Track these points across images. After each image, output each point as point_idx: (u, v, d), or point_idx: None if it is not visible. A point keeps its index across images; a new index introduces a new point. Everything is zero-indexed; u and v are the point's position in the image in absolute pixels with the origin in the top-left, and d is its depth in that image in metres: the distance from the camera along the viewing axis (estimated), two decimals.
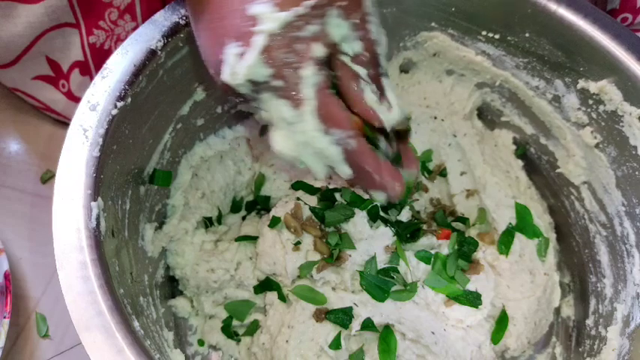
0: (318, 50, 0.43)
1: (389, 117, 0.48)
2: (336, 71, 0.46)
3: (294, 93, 0.43)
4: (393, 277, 0.62)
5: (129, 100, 0.51)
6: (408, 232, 0.66)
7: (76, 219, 0.45)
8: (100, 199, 0.47)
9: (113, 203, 0.51)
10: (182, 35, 0.55)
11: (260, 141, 0.72)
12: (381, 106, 0.47)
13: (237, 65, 0.42)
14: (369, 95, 0.46)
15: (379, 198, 0.53)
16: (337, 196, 0.64)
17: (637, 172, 0.56)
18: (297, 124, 0.44)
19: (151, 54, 0.53)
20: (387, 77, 0.49)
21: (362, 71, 0.46)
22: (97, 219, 0.46)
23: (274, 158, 0.72)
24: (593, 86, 0.58)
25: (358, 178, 0.50)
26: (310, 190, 0.67)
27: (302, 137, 0.45)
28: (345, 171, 0.48)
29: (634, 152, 0.56)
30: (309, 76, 0.43)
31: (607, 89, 0.57)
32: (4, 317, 0.63)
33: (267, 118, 0.47)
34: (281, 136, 0.46)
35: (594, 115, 0.60)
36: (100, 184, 0.47)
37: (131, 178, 0.55)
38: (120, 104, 0.50)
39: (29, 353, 0.66)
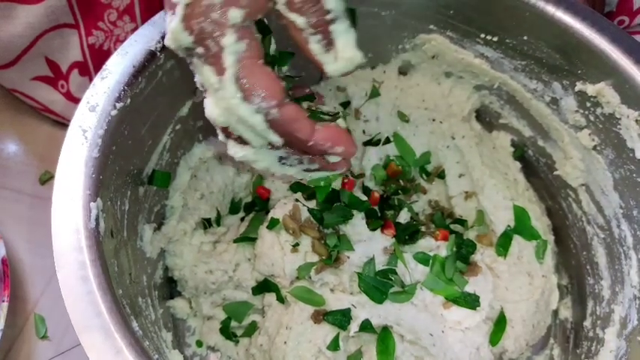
0: (235, 16, 0.42)
1: (332, 67, 0.46)
2: (281, 22, 0.45)
3: (215, 60, 0.43)
4: (391, 279, 0.62)
5: (128, 101, 0.51)
6: (406, 234, 0.66)
7: (76, 219, 0.45)
8: (99, 199, 0.47)
9: (112, 204, 0.51)
10: None
11: None
12: (326, 55, 0.45)
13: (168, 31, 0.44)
14: (314, 45, 0.45)
15: (318, 175, 0.53)
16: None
17: (634, 175, 0.56)
18: (220, 90, 0.44)
19: (151, 55, 0.53)
20: (343, 22, 0.44)
21: (299, 20, 0.44)
22: (96, 219, 0.46)
23: None
24: (590, 89, 0.58)
25: (292, 146, 0.49)
26: (309, 191, 0.67)
27: (225, 104, 0.45)
28: (274, 139, 0.47)
29: (631, 155, 0.56)
30: (230, 45, 0.42)
31: (604, 92, 0.57)
32: (3, 301, 0.63)
33: (200, 85, 0.47)
34: (210, 102, 0.46)
35: (592, 118, 0.60)
36: (99, 185, 0.47)
37: (130, 179, 0.55)
38: (119, 105, 0.50)
39: (28, 354, 0.66)
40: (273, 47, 0.49)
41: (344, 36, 0.44)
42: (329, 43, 0.44)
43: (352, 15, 0.46)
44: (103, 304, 0.42)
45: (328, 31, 0.44)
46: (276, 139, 0.47)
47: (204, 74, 0.44)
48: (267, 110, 0.44)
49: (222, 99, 0.44)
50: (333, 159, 0.52)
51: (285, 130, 0.46)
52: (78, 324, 0.42)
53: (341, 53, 0.45)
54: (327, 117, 0.51)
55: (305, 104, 0.52)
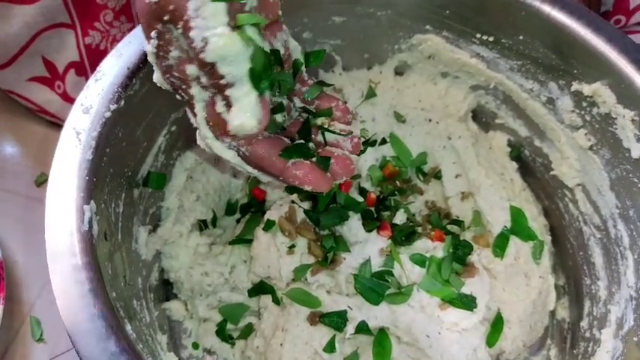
0: (192, 71, 0.44)
1: (232, 127, 0.46)
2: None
3: (191, 105, 0.46)
4: (387, 281, 0.62)
5: (122, 102, 0.51)
6: (402, 235, 0.66)
7: (69, 222, 0.45)
8: (92, 202, 0.47)
9: (106, 206, 0.50)
10: None
11: None
12: (228, 115, 0.46)
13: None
14: (219, 104, 0.45)
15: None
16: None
17: (630, 175, 0.56)
18: (198, 129, 0.48)
19: (145, 57, 0.53)
20: (239, 88, 0.44)
21: (203, 79, 0.45)
22: (90, 222, 0.46)
23: None
24: (586, 89, 0.58)
25: (266, 176, 0.51)
26: (305, 193, 0.67)
27: (203, 141, 0.48)
28: (248, 169, 0.50)
29: (627, 154, 0.56)
30: (196, 94, 0.45)
31: (600, 92, 0.57)
32: None
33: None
34: (197, 136, 0.49)
35: (588, 118, 0.60)
36: (93, 187, 0.47)
37: (125, 181, 0.55)
38: (113, 107, 0.50)
39: (23, 357, 0.66)
40: (298, 50, 0.50)
41: (239, 102, 0.45)
42: (228, 105, 0.45)
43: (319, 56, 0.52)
44: (96, 306, 0.42)
45: (225, 94, 0.44)
46: (251, 170, 0.50)
47: (187, 114, 0.48)
48: (238, 148, 0.47)
49: (200, 136, 0.48)
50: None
51: (257, 165, 0.49)
52: (71, 327, 0.41)
53: (232, 118, 0.45)
54: (340, 135, 0.52)
55: (320, 120, 0.52)
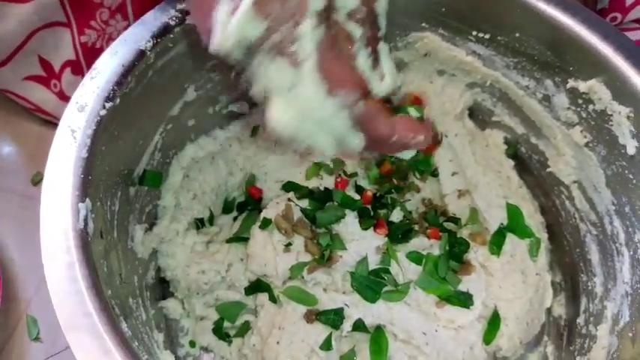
0: (317, 1, 0.38)
1: (379, 87, 0.44)
2: (330, 30, 0.40)
3: (292, 50, 0.38)
4: (384, 278, 0.62)
5: (117, 100, 0.51)
6: (399, 233, 0.66)
7: (64, 220, 0.45)
8: (87, 200, 0.46)
9: (102, 204, 0.50)
10: (172, 36, 0.55)
11: (251, 142, 0.73)
12: (373, 73, 0.43)
13: (229, 24, 0.37)
14: (362, 60, 0.42)
15: (405, 157, 0.49)
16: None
17: (626, 171, 0.56)
18: (297, 87, 0.39)
19: (140, 54, 0.53)
20: (385, 42, 0.43)
21: (357, 31, 0.41)
22: (85, 220, 0.45)
23: (265, 159, 0.72)
24: (582, 85, 0.58)
25: (373, 145, 0.44)
26: (301, 190, 0.67)
27: (303, 104, 0.39)
28: (356, 141, 0.43)
29: (623, 151, 0.56)
30: (309, 32, 0.38)
31: (596, 88, 0.57)
32: None
33: (261, 91, 0.41)
34: (279, 106, 0.40)
35: (584, 115, 0.60)
36: (88, 185, 0.47)
37: (120, 179, 0.55)
38: (108, 105, 0.50)
39: (20, 356, 0.66)
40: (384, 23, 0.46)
41: (386, 57, 0.43)
42: (375, 60, 0.42)
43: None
44: (91, 304, 0.42)
45: (376, 49, 0.42)
46: (358, 141, 0.43)
47: (273, 73, 0.39)
48: (354, 104, 0.40)
49: (298, 98, 0.39)
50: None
51: (370, 126, 0.42)
52: (66, 324, 0.41)
53: (387, 72, 0.43)
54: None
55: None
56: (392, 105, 0.48)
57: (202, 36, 0.42)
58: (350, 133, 0.42)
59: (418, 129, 0.44)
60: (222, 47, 0.38)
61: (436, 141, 0.69)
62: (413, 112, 0.49)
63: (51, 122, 0.80)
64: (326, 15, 0.38)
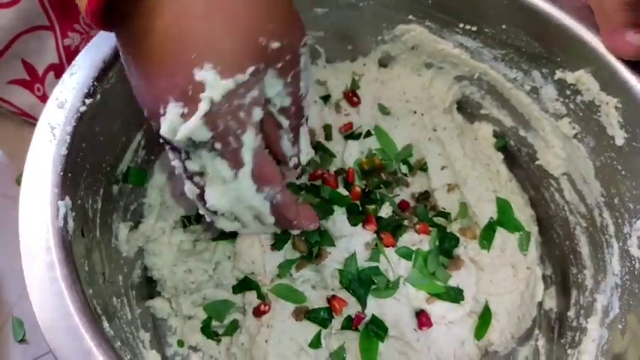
0: (258, 114, 0.43)
1: (296, 160, 0.53)
2: (263, 129, 0.48)
3: (233, 155, 0.44)
4: (373, 274, 0.61)
5: (98, 97, 0.50)
6: (388, 229, 0.66)
7: (43, 218, 0.44)
8: (67, 198, 0.46)
9: (83, 202, 0.50)
10: None
11: None
12: (291, 150, 0.52)
13: (179, 125, 0.41)
14: (285, 142, 0.50)
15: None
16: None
17: (615, 162, 0.56)
18: (234, 182, 0.46)
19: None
20: (306, 125, 0.52)
21: (285, 122, 0.49)
22: (65, 218, 0.45)
23: None
24: (570, 76, 0.58)
25: (279, 223, 0.54)
26: (290, 187, 0.66)
27: (236, 195, 0.47)
28: (269, 221, 0.52)
29: (611, 142, 0.55)
30: (250, 141, 0.44)
31: (584, 79, 0.56)
32: None
33: (197, 171, 0.47)
34: (215, 193, 0.47)
35: (572, 106, 0.60)
36: (68, 183, 0.46)
37: (103, 177, 0.54)
38: (88, 101, 0.49)
39: (5, 358, 0.65)
40: None
41: (304, 136, 0.52)
42: (295, 141, 0.51)
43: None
44: (71, 304, 0.41)
45: (298, 132, 0.51)
46: (271, 221, 0.53)
47: (213, 167, 0.45)
48: (274, 196, 0.50)
49: (234, 190, 0.47)
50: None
51: (281, 212, 0.52)
52: (46, 326, 0.41)
53: (304, 149, 0.53)
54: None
55: None
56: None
57: (148, 114, 0.45)
58: (268, 216, 0.52)
59: (314, 218, 0.58)
60: (169, 138, 0.43)
61: None
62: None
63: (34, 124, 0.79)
64: (261, 119, 0.45)
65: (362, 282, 0.61)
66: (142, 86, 0.43)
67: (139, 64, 0.42)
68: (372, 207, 0.67)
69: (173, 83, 0.40)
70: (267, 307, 0.60)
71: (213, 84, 0.39)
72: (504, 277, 0.65)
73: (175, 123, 0.41)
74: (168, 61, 0.40)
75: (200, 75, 0.39)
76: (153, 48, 0.40)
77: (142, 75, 0.43)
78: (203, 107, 0.40)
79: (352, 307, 0.60)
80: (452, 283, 0.63)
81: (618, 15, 0.51)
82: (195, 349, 0.65)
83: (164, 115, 0.41)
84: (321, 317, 0.59)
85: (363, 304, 0.60)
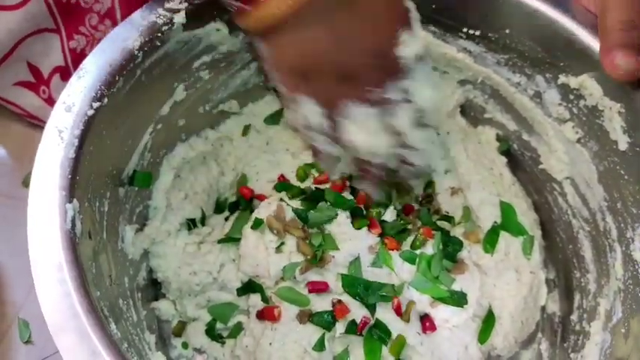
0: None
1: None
2: None
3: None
4: (377, 278, 0.62)
5: (105, 100, 0.51)
6: (392, 233, 0.66)
7: (51, 221, 0.44)
8: (75, 200, 0.46)
9: (90, 205, 0.50)
10: (160, 34, 0.55)
11: (243, 141, 0.72)
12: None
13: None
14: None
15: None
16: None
17: (618, 167, 0.56)
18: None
19: (128, 54, 0.53)
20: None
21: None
22: (72, 221, 0.45)
23: (257, 159, 0.72)
24: (573, 81, 0.58)
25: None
26: (293, 190, 0.67)
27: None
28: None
29: (615, 147, 0.56)
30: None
31: (587, 84, 0.57)
32: None
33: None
34: (354, 129, 0.58)
35: (575, 111, 0.60)
36: (76, 186, 0.47)
37: (109, 180, 0.55)
38: (96, 105, 0.50)
39: (11, 359, 0.65)
40: None
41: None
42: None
43: None
44: (79, 306, 0.42)
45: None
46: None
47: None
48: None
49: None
50: None
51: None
52: (54, 326, 0.41)
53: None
54: None
55: None
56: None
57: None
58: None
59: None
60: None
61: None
62: None
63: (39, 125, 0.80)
64: None
65: (369, 290, 0.60)
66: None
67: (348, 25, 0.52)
68: (375, 211, 0.67)
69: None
70: (277, 313, 0.60)
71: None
72: (508, 281, 0.65)
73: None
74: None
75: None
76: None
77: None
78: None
79: (356, 312, 0.60)
80: (455, 287, 0.63)
81: (614, 34, 0.50)
82: (199, 351, 0.65)
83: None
84: (324, 320, 0.59)
85: (372, 312, 0.60)
